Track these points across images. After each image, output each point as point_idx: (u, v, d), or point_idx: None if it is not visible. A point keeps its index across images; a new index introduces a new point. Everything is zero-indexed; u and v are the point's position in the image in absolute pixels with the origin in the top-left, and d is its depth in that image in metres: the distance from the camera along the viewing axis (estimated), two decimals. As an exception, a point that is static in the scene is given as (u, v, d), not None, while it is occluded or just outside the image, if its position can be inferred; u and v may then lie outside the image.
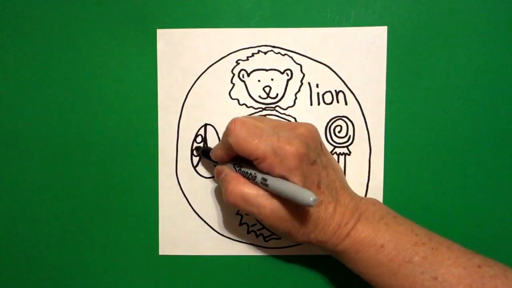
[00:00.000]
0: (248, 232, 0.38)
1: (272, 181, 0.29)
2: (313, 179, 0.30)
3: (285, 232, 0.31)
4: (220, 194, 0.38)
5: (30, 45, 0.37)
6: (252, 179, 0.31)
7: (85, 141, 0.37)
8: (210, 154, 0.35)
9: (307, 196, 0.27)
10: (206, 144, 0.37)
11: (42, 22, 0.37)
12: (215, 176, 0.34)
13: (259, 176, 0.30)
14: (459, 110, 0.37)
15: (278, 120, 0.36)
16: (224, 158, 0.33)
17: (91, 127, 0.37)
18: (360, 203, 0.32)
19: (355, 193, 0.34)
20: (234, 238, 0.38)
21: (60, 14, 0.37)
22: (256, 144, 0.29)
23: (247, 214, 0.38)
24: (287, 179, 0.29)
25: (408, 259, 0.29)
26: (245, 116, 0.36)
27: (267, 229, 0.38)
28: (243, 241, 0.38)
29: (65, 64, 0.37)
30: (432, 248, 0.30)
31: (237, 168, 0.32)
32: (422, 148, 0.37)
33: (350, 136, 0.37)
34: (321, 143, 0.33)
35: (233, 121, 0.30)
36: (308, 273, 0.38)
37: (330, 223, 0.31)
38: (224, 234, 0.38)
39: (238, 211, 0.38)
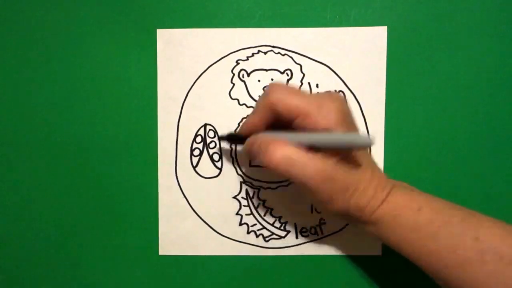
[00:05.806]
0: (248, 232, 0.38)
1: (321, 136, 0.28)
2: None
3: (326, 197, 0.30)
4: (219, 194, 0.38)
5: (30, 45, 0.37)
6: (294, 140, 0.29)
7: (85, 141, 0.37)
8: (240, 126, 0.33)
9: (363, 137, 0.26)
10: (206, 144, 0.37)
11: (42, 22, 0.37)
12: (246, 150, 0.32)
13: (303, 136, 0.29)
14: (459, 110, 0.37)
15: None
16: (257, 125, 0.32)
17: (91, 127, 0.37)
18: (390, 179, 0.32)
19: None
20: (234, 238, 0.38)
21: (60, 14, 0.37)
22: (300, 99, 0.29)
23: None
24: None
25: (447, 219, 0.29)
26: None
27: (267, 229, 0.38)
28: (243, 241, 0.38)
29: (65, 64, 0.37)
30: (469, 213, 0.29)
31: (275, 133, 0.30)
32: (422, 148, 0.37)
33: (350, 136, 0.37)
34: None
35: (271, 84, 0.31)
36: (308, 273, 0.38)
37: (370, 185, 0.30)
38: (224, 234, 0.38)
39: (238, 211, 0.38)
